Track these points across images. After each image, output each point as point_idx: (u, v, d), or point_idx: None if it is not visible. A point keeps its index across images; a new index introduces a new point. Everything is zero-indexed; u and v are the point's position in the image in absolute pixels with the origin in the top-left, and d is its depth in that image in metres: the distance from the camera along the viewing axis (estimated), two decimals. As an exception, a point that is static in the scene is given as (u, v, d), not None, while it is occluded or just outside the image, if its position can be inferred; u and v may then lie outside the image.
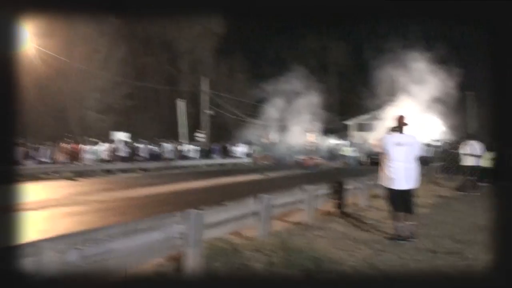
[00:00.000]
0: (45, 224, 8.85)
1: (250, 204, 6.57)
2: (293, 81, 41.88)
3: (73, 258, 3.39)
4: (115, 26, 39.73)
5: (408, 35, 36.31)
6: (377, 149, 8.29)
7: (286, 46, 61.18)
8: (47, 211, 10.57)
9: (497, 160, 21.08)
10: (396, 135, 7.69)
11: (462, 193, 15.61)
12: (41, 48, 29.14)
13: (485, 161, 20.31)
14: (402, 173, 7.53)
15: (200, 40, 51.68)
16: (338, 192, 10.04)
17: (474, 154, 15.99)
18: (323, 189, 9.54)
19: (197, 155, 33.66)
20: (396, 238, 7.51)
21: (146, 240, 4.39)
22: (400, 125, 7.68)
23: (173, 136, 42.71)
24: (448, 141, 30.34)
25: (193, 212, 4.96)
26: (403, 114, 7.84)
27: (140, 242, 4.31)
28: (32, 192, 14.76)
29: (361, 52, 48.89)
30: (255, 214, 6.58)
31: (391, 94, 37.81)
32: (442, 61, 33.61)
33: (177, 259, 5.42)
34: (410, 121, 7.77)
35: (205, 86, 40.46)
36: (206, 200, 10.71)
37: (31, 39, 27.59)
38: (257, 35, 69.73)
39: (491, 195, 14.90)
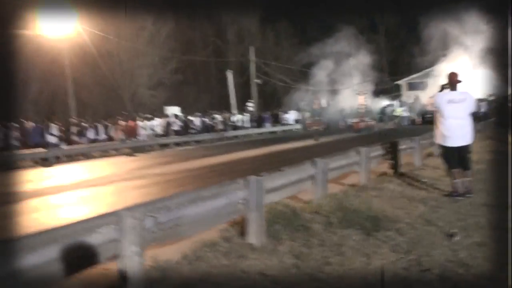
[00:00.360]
0: (114, 198, 9.39)
1: (306, 169, 6.79)
2: (341, 43, 41.45)
3: (149, 224, 3.72)
4: (159, 2, 40.24)
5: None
6: (430, 108, 8.28)
7: (332, 7, 59.93)
8: (113, 186, 11.16)
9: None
10: (449, 92, 7.67)
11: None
12: (90, 29, 29.82)
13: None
14: (456, 130, 7.55)
15: (245, 10, 51.51)
16: (392, 153, 10.11)
17: None
18: (377, 151, 9.63)
19: (248, 124, 34.01)
20: (453, 194, 7.58)
21: (212, 206, 4.70)
22: (452, 82, 7.65)
23: (223, 107, 43.21)
24: (503, 95, 29.41)
25: (253, 178, 5.22)
26: (455, 71, 7.79)
27: (207, 208, 4.62)
28: (95, 169, 15.58)
29: (410, 8, 47.17)
30: (311, 177, 6.80)
31: (443, 49, 36.88)
32: (494, 10, 32.43)
33: (240, 223, 5.75)
34: (463, 77, 7.73)
35: (252, 55, 40.50)
36: (262, 167, 10.95)
37: (81, 21, 28.35)
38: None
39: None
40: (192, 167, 14.54)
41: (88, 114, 32.94)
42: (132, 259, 3.41)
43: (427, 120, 35.00)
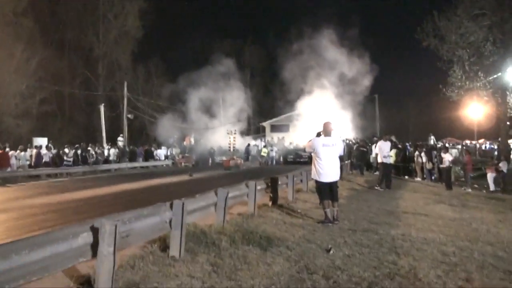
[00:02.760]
0: (11, 223, 9.75)
1: (211, 197, 8.02)
2: (211, 84, 43.45)
3: (118, 231, 4.71)
4: (30, 31, 39.35)
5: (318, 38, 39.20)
6: (308, 150, 10.00)
7: (202, 50, 62.29)
8: (4, 214, 11.31)
9: (400, 157, 23.93)
10: (323, 137, 9.47)
11: (371, 186, 17.74)
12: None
13: (391, 158, 23.06)
14: (329, 169, 9.35)
15: (116, 44, 51.78)
16: (271, 187, 11.70)
17: (381, 153, 17.85)
18: (260, 185, 11.11)
19: (119, 158, 34.09)
20: (325, 221, 9.28)
21: (151, 222, 5.78)
22: (326, 130, 9.47)
23: (90, 140, 42.69)
24: (357, 140, 32.99)
25: (177, 201, 6.35)
26: (329, 121, 9.63)
27: (147, 223, 5.69)
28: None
29: (274, 52, 50.04)
30: (214, 204, 8.05)
31: (302, 94, 40.46)
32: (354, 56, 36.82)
33: (155, 241, 6.83)
34: (334, 126, 9.59)
35: (125, 90, 40.84)
36: (147, 199, 11.83)
37: None
38: (173, 39, 70.61)
39: (394, 187, 17.42)
40: (78, 198, 14.87)
41: None
42: (108, 258, 4.41)
43: (289, 161, 37.92)
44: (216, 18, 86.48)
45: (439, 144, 31.69)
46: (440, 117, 53.85)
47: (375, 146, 19.61)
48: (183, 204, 6.26)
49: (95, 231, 4.52)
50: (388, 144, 18.11)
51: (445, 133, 46.86)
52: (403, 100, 66.26)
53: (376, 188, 17.26)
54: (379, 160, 17.94)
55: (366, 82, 40.68)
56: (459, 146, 37.16)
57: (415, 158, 23.97)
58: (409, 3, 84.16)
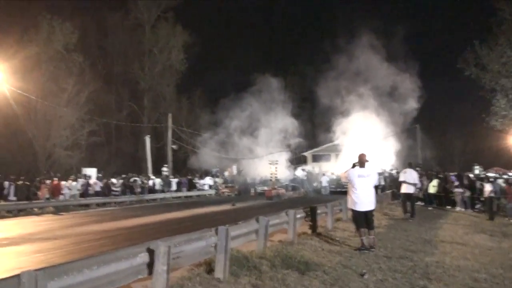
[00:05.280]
0: (78, 247, 10.59)
1: (252, 224, 8.61)
2: (253, 115, 44.19)
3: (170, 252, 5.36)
4: (80, 65, 41.30)
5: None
6: (344, 180, 10.51)
7: (244, 81, 63.11)
8: (69, 239, 12.21)
9: (442, 187, 23.89)
10: (359, 168, 9.96)
11: (403, 216, 17.51)
12: (13, 88, 30.21)
13: (431, 188, 23.05)
14: (364, 198, 9.82)
15: (161, 77, 53.58)
16: (311, 216, 12.19)
17: (407, 182, 17.38)
18: (300, 213, 11.64)
19: (164, 188, 35.04)
20: (361, 248, 9.70)
21: (198, 246, 6.40)
22: (361, 161, 9.97)
23: (136, 170, 44.04)
24: (398, 170, 32.99)
25: (221, 227, 6.97)
26: (364, 153, 10.13)
27: (195, 247, 6.32)
28: (35, 225, 16.28)
29: (315, 82, 49.91)
30: (256, 231, 8.63)
31: (343, 124, 40.68)
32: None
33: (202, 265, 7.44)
34: (369, 158, 10.08)
35: (169, 122, 42.14)
36: (192, 227, 12.43)
37: (6, 79, 28.86)
38: (216, 71, 72.19)
39: (433, 217, 17.50)
40: (128, 226, 15.74)
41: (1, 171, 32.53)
42: (162, 275, 5.04)
43: (331, 191, 37.95)
44: (258, 49, 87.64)
45: (484, 174, 31.29)
46: (486, 147, 52.77)
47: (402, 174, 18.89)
48: (227, 230, 6.86)
49: (151, 252, 5.18)
50: (414, 172, 17.81)
51: (492, 162, 45.88)
52: (447, 129, 65.26)
53: (409, 219, 17.01)
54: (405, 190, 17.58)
55: (409, 112, 40.66)
56: (505, 176, 36.46)
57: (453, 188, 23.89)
58: (449, 33, 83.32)
